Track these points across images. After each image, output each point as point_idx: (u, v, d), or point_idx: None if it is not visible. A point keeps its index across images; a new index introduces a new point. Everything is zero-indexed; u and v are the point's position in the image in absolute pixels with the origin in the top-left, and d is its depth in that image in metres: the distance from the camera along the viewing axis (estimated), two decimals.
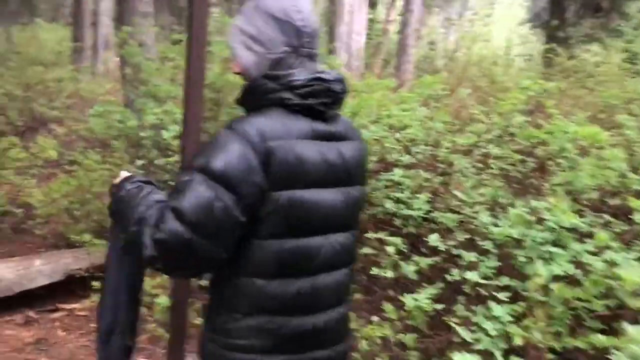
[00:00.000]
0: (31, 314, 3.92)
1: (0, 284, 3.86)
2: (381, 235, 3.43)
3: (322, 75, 1.39)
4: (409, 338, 2.93)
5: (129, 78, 5.14)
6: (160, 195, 1.43)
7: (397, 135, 4.20)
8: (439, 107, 4.73)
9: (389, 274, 3.13)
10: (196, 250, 1.27)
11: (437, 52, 15.59)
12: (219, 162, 1.26)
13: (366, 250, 3.52)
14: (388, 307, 2.88)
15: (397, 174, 3.82)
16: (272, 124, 1.32)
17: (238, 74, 1.51)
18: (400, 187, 3.88)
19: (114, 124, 4.50)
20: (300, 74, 1.37)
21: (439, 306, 3.07)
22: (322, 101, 1.38)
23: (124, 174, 1.59)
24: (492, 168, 4.10)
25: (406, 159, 4.09)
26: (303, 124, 1.37)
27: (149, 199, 1.39)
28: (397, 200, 3.75)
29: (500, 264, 3.04)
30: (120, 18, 5.73)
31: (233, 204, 1.26)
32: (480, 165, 4.46)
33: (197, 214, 1.25)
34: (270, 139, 1.30)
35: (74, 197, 4.50)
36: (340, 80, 1.43)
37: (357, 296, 3.54)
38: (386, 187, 4.08)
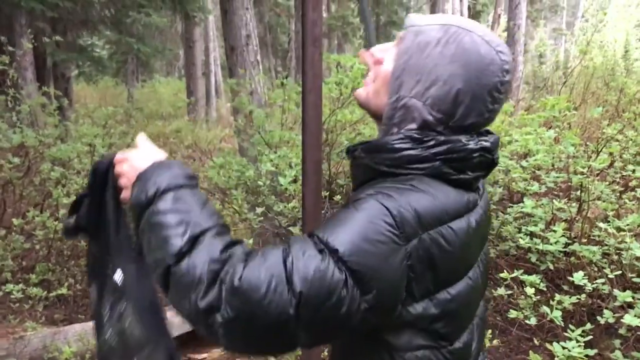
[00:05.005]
0: None
1: None
2: (517, 274, 3.16)
3: (488, 145, 1.11)
4: None
5: (242, 127, 5.26)
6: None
7: (523, 162, 3.92)
8: (566, 128, 4.38)
9: (532, 320, 2.85)
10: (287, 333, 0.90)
11: (548, 66, 14.84)
12: (347, 244, 0.91)
13: (501, 291, 3.26)
14: (535, 357, 2.60)
15: (527, 205, 3.53)
16: (430, 208, 1.01)
17: None
18: (532, 218, 3.59)
19: (232, 174, 4.59)
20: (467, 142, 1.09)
21: (591, 351, 2.75)
22: (479, 175, 1.13)
23: (146, 148, 1.17)
24: (635, 191, 3.70)
25: (535, 187, 3.79)
26: (458, 198, 1.09)
27: (223, 230, 1.00)
28: (531, 234, 3.46)
29: None
30: (231, 69, 5.93)
31: (358, 298, 0.91)
32: (619, 188, 4.06)
33: (309, 287, 0.88)
34: (426, 230, 0.98)
35: None
36: (497, 144, 1.16)
37: (495, 341, 3.28)
38: (515, 219, 3.81)
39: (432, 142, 1.05)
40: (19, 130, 5.42)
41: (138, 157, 1.13)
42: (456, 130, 1.09)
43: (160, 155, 1.15)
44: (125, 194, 1.15)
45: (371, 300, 0.91)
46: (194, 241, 0.94)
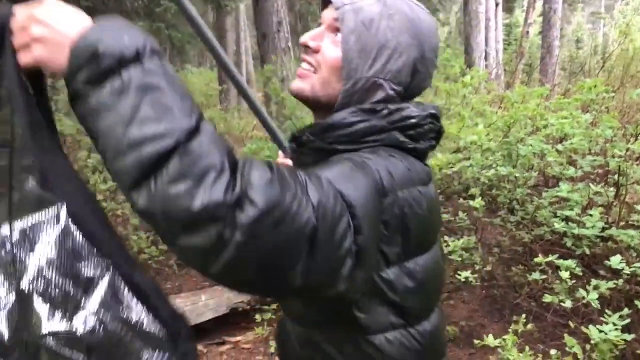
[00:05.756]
0: (200, 347, 4.09)
1: None
2: (551, 258, 3.11)
3: (434, 111, 1.11)
4: None
5: (274, 114, 5.30)
6: None
7: (559, 146, 3.85)
8: (603, 112, 4.28)
9: (568, 303, 2.81)
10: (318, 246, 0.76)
11: (585, 50, 14.49)
12: (339, 178, 0.86)
13: (535, 276, 3.22)
14: (570, 340, 2.57)
15: (563, 189, 3.47)
16: (400, 168, 1.00)
17: None
18: (567, 203, 3.53)
19: (264, 159, 4.64)
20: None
21: (629, 336, 2.70)
22: (430, 145, 1.11)
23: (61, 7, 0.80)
24: None
25: (571, 171, 3.72)
26: (419, 167, 1.08)
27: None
28: (566, 219, 3.40)
29: None
30: (263, 56, 5.97)
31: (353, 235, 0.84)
32: None
33: (325, 201, 0.78)
34: (400, 189, 0.97)
35: None
36: (440, 112, 1.16)
37: (529, 326, 3.25)
38: (550, 204, 3.75)
39: (385, 112, 1.03)
40: (57, 119, 5.56)
41: (59, 18, 0.77)
42: (404, 99, 1.10)
43: (87, 18, 0.79)
44: (36, 58, 0.78)
45: (361, 243, 0.83)
46: (200, 121, 0.72)
